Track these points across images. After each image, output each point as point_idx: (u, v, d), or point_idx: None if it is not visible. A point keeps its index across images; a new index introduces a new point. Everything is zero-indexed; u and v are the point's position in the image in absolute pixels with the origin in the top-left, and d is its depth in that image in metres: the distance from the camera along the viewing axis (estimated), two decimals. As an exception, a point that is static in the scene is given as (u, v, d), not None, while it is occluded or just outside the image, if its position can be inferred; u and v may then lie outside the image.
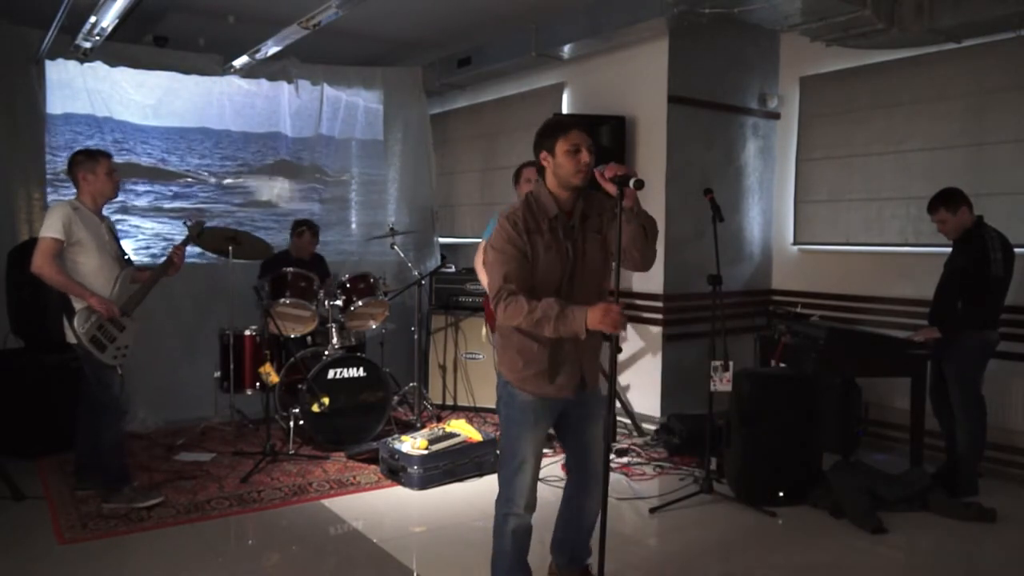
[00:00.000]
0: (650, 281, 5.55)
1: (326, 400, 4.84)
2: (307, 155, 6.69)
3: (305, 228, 5.74)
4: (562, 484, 3.14)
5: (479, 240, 4.99)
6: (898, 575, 3.54)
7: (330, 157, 6.79)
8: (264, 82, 6.44)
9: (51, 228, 3.74)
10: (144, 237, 6.00)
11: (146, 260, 5.71)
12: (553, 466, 4.49)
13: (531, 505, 2.76)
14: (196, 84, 6.21)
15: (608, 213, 2.69)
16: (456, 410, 6.11)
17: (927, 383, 4.37)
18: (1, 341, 5.14)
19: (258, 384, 5.22)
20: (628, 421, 5.51)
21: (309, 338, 5.44)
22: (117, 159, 4.75)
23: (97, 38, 5.03)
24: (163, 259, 4.21)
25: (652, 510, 4.05)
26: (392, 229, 5.91)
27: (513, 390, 2.71)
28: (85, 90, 5.72)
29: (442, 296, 6.36)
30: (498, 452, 3.08)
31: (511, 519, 2.74)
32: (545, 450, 2.86)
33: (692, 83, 5.50)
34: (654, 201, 5.44)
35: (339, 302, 5.25)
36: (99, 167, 3.93)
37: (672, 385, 5.55)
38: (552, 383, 2.67)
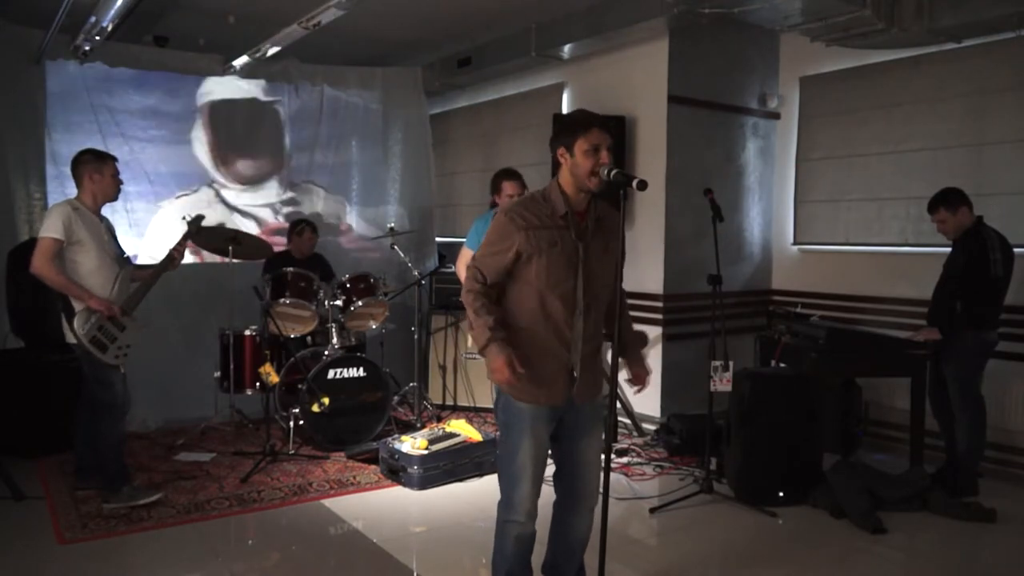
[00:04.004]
0: (650, 281, 5.56)
1: (326, 400, 4.84)
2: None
3: (305, 226, 5.73)
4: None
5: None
6: (898, 575, 3.54)
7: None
8: (264, 82, 6.45)
9: (51, 228, 3.73)
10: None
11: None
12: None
13: (532, 514, 2.68)
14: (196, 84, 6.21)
15: (613, 228, 2.63)
16: (456, 410, 6.11)
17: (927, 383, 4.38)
18: (1, 341, 5.14)
19: (258, 384, 5.22)
20: (628, 421, 5.51)
21: (309, 338, 5.44)
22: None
23: (97, 38, 5.02)
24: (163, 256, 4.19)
25: (652, 510, 4.05)
26: (392, 229, 5.91)
27: (508, 397, 2.66)
28: (85, 90, 5.71)
29: (442, 296, 6.35)
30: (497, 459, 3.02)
31: (512, 526, 2.68)
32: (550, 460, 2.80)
33: (692, 83, 5.50)
34: (654, 201, 5.45)
35: (339, 302, 5.25)
36: (106, 168, 3.94)
37: (672, 385, 5.55)
38: (541, 389, 2.61)
